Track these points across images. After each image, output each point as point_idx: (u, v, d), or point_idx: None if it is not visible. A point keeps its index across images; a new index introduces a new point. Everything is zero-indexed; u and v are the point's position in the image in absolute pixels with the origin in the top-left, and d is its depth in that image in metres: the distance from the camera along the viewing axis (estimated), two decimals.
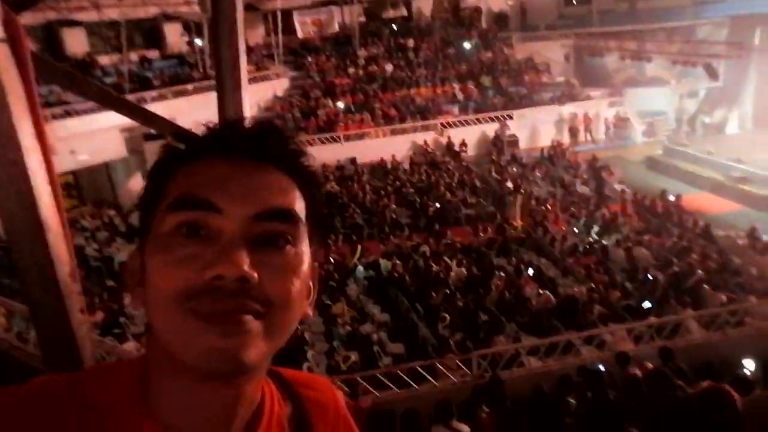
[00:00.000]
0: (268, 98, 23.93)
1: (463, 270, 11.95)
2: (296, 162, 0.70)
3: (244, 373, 0.63)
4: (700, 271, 11.03)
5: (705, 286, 10.61)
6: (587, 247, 12.96)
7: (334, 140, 21.49)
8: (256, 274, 0.61)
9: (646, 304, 10.01)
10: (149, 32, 24.31)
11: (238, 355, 0.60)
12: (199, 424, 0.67)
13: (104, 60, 22.49)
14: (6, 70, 1.11)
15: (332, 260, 12.95)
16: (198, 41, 23.87)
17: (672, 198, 15.56)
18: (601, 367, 6.37)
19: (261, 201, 0.64)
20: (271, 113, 23.26)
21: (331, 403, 0.85)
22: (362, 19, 24.02)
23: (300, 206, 0.68)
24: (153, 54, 24.03)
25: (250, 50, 27.13)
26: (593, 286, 10.89)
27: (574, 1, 27.07)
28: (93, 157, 18.01)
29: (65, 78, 1.83)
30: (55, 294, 2.23)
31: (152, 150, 19.93)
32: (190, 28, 24.65)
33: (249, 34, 28.60)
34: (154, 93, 20.07)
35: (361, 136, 21.78)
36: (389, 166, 20.80)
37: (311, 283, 0.71)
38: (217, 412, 0.67)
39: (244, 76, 2.44)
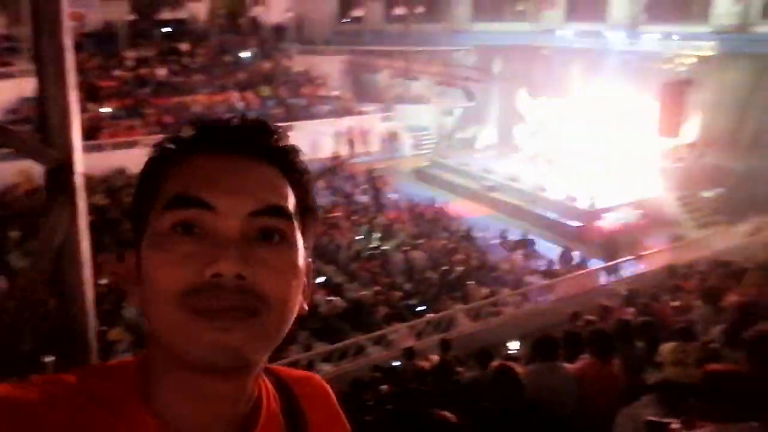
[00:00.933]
0: (13, 99, 20.64)
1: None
2: (286, 157, 0.71)
3: (243, 368, 0.65)
4: (461, 268, 12.45)
5: (469, 282, 12.01)
6: (370, 252, 13.72)
7: (99, 148, 19.42)
8: (252, 271, 0.62)
9: (423, 302, 10.98)
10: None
11: (238, 351, 0.62)
12: (199, 420, 0.68)
13: None
14: None
15: (106, 282, 11.65)
16: None
17: (439, 205, 17.34)
18: (396, 363, 6.78)
19: (254, 198, 0.65)
20: (17, 116, 20.09)
21: (324, 398, 0.87)
22: (131, 17, 22.13)
23: (292, 202, 0.69)
24: None
25: None
26: (378, 288, 11.57)
27: (349, 19, 28.54)
28: None
29: None
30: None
31: None
32: None
33: None
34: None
35: (131, 144, 20.02)
36: None
37: (306, 279, 0.71)
38: (217, 407, 0.68)
39: (72, 71, 2.21)
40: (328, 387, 0.90)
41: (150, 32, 26.10)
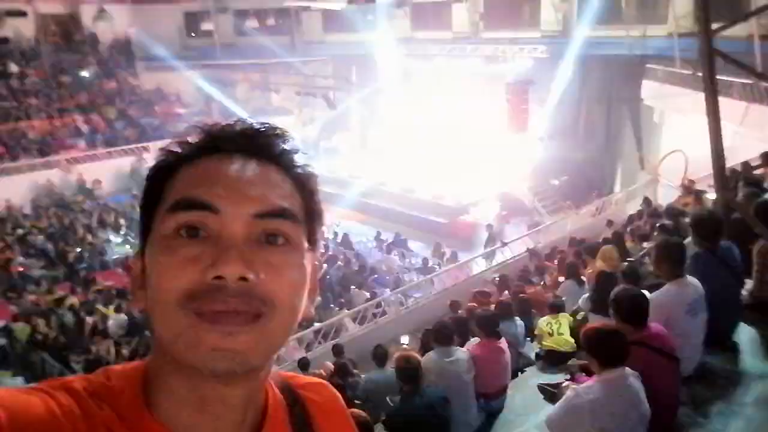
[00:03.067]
0: None
1: (123, 315, 10.93)
2: (291, 160, 0.70)
3: (247, 372, 0.64)
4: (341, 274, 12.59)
5: (352, 287, 12.17)
6: None
7: None
8: (257, 274, 0.62)
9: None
10: None
11: (242, 355, 0.61)
12: (203, 426, 0.67)
13: None
14: None
15: None
16: None
17: None
18: None
19: (258, 201, 0.65)
20: None
21: (333, 405, 0.86)
22: None
23: (297, 205, 0.68)
24: None
25: None
26: None
27: (195, 34, 27.53)
28: None
29: None
30: None
31: None
32: None
33: None
34: None
35: None
36: (4, 212, 17.46)
37: (313, 282, 0.70)
38: (221, 413, 0.67)
39: None
40: (337, 394, 0.89)
41: None
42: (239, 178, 0.65)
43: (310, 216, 0.71)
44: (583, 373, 4.22)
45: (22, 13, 24.28)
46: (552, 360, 5.76)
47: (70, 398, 0.64)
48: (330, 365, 7.01)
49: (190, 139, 0.69)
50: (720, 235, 4.12)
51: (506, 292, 8.87)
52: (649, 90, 15.58)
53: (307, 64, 24.24)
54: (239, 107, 22.72)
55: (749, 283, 4.44)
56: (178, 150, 0.69)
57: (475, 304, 7.62)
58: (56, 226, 16.47)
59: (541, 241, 13.29)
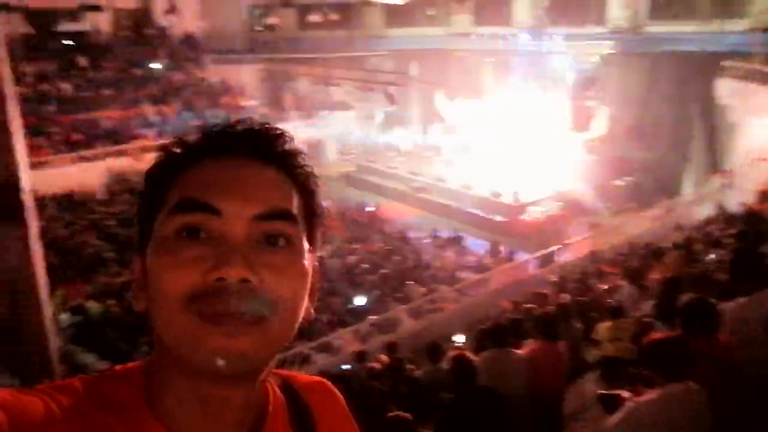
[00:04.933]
0: None
1: None
2: (293, 161, 0.71)
3: (249, 374, 0.65)
4: (399, 269, 12.64)
5: (408, 282, 12.21)
6: None
7: None
8: (258, 275, 0.62)
9: (365, 305, 11.04)
10: None
11: (243, 357, 0.61)
12: (204, 425, 0.67)
13: None
14: None
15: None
16: None
17: (370, 209, 17.48)
18: (345, 367, 6.79)
19: (260, 202, 0.65)
20: None
21: (333, 404, 0.86)
22: (27, 30, 20.77)
23: (298, 206, 0.69)
24: None
25: None
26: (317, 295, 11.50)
27: (261, 28, 28.17)
28: None
29: None
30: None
31: None
32: None
33: None
34: None
35: (40, 165, 18.77)
36: (78, 197, 18.44)
37: (313, 283, 0.71)
38: (221, 412, 0.67)
39: (10, 87, 2.00)
40: (338, 393, 0.89)
41: (48, 46, 24.60)
42: (241, 179, 0.66)
43: (311, 217, 0.72)
44: (645, 385, 4.10)
45: (99, 8, 25.51)
46: (611, 368, 5.59)
47: (70, 399, 0.65)
48: (385, 358, 7.07)
49: (190, 140, 0.70)
50: None
51: (565, 294, 8.68)
52: (725, 88, 14.81)
53: (368, 59, 24.38)
54: (300, 101, 23.14)
55: None
56: (179, 151, 0.69)
57: (532, 305, 7.50)
58: (127, 211, 17.27)
59: (602, 243, 12.92)
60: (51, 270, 13.40)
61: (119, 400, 0.67)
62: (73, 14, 25.57)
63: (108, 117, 22.26)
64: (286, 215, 0.66)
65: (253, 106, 24.16)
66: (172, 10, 26.33)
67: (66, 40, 25.29)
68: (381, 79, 20.90)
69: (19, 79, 22.28)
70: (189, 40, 28.19)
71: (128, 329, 10.37)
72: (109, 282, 12.38)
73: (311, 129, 24.61)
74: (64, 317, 10.74)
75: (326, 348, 9.45)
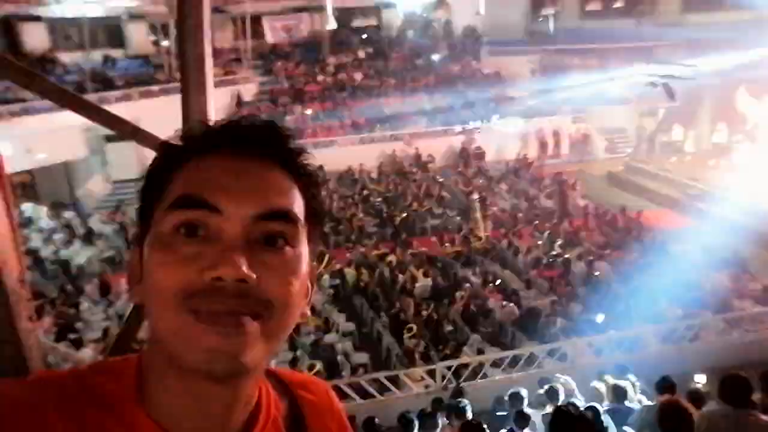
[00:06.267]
0: (233, 104, 23.69)
1: (429, 280, 11.98)
2: (295, 161, 0.70)
3: (242, 374, 0.64)
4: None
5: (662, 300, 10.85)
6: (550, 260, 13.14)
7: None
8: (255, 276, 0.61)
9: (606, 318, 10.18)
10: (113, 31, 23.72)
11: (238, 356, 0.61)
12: (195, 423, 0.67)
13: (65, 58, 21.81)
14: None
15: None
16: (165, 42, 23.39)
17: (631, 213, 15.94)
18: (559, 385, 6.37)
19: (260, 201, 0.64)
20: (235, 117, 22.91)
21: (327, 405, 0.85)
22: (332, 26, 24.01)
23: (299, 206, 0.68)
24: (117, 53, 23.46)
25: (217, 53, 26.79)
26: (556, 298, 11.03)
27: (541, 18, 27.60)
28: (51, 156, 17.43)
29: (21, 75, 1.69)
30: (2, 300, 2.13)
31: (114, 151, 19.47)
32: (156, 28, 24.19)
33: (217, 37, 28.21)
34: (118, 93, 19.59)
35: (328, 144, 21.68)
36: (357, 174, 20.77)
37: (309, 284, 0.70)
38: (214, 411, 0.67)
39: (210, 78, 2.34)
40: (332, 392, 0.87)
41: (349, 40, 28.01)
42: (241, 178, 0.65)
43: (312, 217, 0.70)
44: None
45: (392, 5, 28.13)
46: None
47: (60, 391, 0.66)
48: (609, 380, 6.44)
49: (192, 136, 0.69)
50: None
51: None
52: None
53: (652, 50, 22.03)
54: (572, 93, 22.13)
55: None
56: (181, 145, 0.69)
57: None
58: (392, 191, 18.88)
59: None
60: (323, 237, 15.61)
61: (110, 395, 0.67)
62: (365, 11, 28.65)
63: (389, 104, 24.51)
64: (285, 216, 0.65)
65: (521, 97, 23.95)
66: (441, 5, 27.60)
67: (363, 34, 28.51)
68: (663, 72, 18.71)
69: (323, 69, 26.07)
70: (471, 33, 29.19)
71: (374, 298, 11.41)
72: (366, 253, 13.71)
73: (580, 123, 23.43)
74: (326, 278, 12.30)
75: (555, 353, 9.02)
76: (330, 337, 9.92)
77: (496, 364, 8.90)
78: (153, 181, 0.68)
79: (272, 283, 0.62)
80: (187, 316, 0.60)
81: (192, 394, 0.65)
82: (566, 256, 13.18)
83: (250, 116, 0.70)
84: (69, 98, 2.98)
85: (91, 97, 18.51)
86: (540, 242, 14.31)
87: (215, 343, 0.60)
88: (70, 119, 15.57)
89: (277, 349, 0.67)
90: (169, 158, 0.68)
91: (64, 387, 0.67)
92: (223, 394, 0.66)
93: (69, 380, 0.69)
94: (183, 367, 0.62)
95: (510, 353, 9.15)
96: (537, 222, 15.66)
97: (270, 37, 27.04)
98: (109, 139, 18.35)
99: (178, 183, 0.65)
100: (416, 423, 5.51)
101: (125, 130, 2.46)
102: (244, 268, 0.60)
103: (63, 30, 22.48)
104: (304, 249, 0.68)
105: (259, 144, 0.67)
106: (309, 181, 0.70)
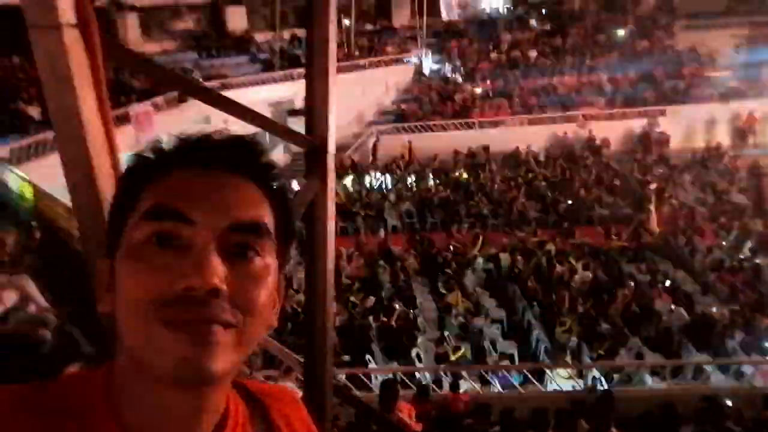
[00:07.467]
0: (408, 80, 24.18)
1: (589, 274, 11.37)
2: (268, 175, 0.72)
3: (211, 382, 0.65)
4: None
5: None
6: (736, 263, 11.70)
7: (469, 126, 21.15)
8: (226, 286, 0.63)
9: None
10: (303, 11, 25.35)
11: (207, 365, 0.62)
12: (163, 430, 0.69)
13: (259, 37, 23.94)
14: (76, 54, 1.21)
15: (452, 248, 12.92)
16: (346, 21, 24.52)
17: None
18: (729, 402, 5.75)
19: (232, 213, 0.66)
20: (408, 95, 23.48)
21: (296, 414, 0.87)
22: (509, 4, 23.25)
23: (270, 219, 0.70)
24: (303, 33, 25.08)
25: (394, 32, 27.44)
26: (738, 308, 9.85)
27: None
28: (243, 128, 19.32)
29: (138, 64, 1.89)
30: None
31: (294, 124, 20.95)
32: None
33: (395, 15, 28.91)
34: (300, 70, 21.06)
35: (496, 124, 21.27)
36: (523, 156, 20.12)
37: (277, 295, 0.72)
38: (182, 419, 0.68)
39: (332, 62, 2.36)
40: (300, 401, 0.88)
41: (527, 16, 26.93)
42: (215, 190, 0.66)
43: (283, 232, 0.71)
44: None
45: None
46: None
47: (29, 401, 0.68)
48: None
49: (167, 147, 0.70)
50: None
51: None
52: None
53: None
54: None
55: None
56: (154, 156, 0.70)
57: None
58: (559, 176, 18.04)
59: None
60: (480, 219, 15.44)
61: (78, 403, 0.68)
62: None
63: (563, 83, 23.21)
64: (257, 228, 0.67)
65: (719, 77, 21.23)
66: None
67: (542, 9, 27.22)
68: None
69: (496, 47, 25.46)
70: (664, 3, 26.42)
71: (528, 287, 11.11)
72: (524, 239, 13.35)
73: None
74: (479, 261, 12.25)
75: (728, 369, 8.11)
76: (479, 321, 9.91)
77: (655, 371, 8.25)
78: (125, 192, 0.70)
79: (242, 294, 0.64)
80: (158, 325, 0.61)
81: (161, 402, 0.67)
82: (756, 261, 11.64)
83: (223, 131, 0.71)
84: (188, 86, 3.19)
85: (278, 74, 20.25)
86: (724, 242, 12.78)
87: (185, 352, 0.61)
88: (258, 94, 17.26)
89: (244, 359, 0.68)
90: (142, 168, 0.70)
91: (31, 397, 0.69)
92: (192, 403, 0.67)
93: (37, 391, 0.70)
94: (152, 375, 0.64)
95: (674, 362, 8.43)
96: (723, 219, 13.97)
97: (445, 15, 27.06)
98: (291, 113, 19.89)
99: (151, 193, 0.67)
100: (550, 421, 5.36)
101: (245, 117, 2.56)
102: (216, 279, 0.62)
103: (260, 11, 24.63)
104: (273, 261, 0.69)
105: (233, 158, 0.69)
106: (281, 197, 0.72)
